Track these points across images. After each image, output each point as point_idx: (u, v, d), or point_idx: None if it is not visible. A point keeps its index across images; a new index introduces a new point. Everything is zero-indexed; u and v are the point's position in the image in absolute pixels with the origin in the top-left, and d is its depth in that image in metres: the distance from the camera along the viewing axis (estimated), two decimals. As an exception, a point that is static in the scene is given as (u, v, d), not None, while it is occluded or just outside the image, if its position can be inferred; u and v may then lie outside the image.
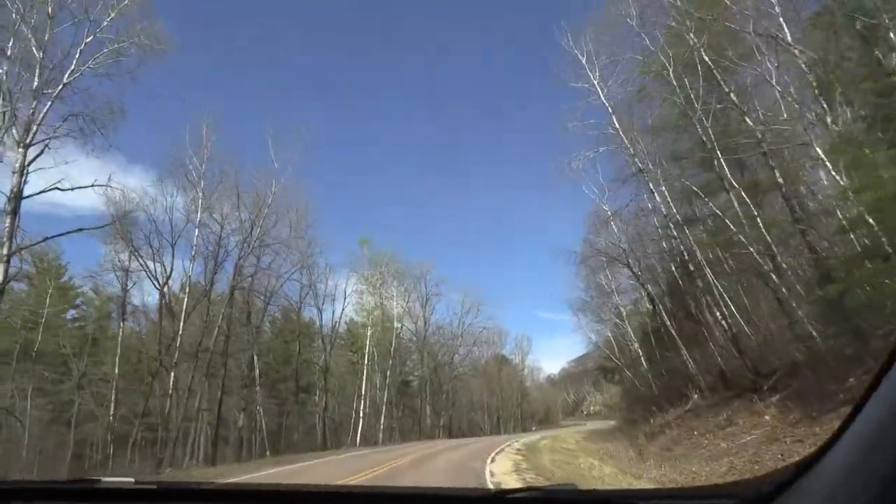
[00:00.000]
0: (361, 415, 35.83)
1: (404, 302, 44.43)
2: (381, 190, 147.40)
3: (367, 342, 37.10)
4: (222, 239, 25.69)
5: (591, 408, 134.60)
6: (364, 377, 36.82)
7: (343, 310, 39.55)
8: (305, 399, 49.88)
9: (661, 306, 26.38)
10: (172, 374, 21.59)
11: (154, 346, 25.49)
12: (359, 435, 35.32)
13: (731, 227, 18.79)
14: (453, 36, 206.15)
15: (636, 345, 33.04)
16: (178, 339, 22.19)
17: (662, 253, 28.46)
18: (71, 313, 44.33)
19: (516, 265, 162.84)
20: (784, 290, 16.67)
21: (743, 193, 18.45)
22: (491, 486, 11.17)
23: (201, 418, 30.86)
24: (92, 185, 17.76)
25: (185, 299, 22.94)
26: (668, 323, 27.34)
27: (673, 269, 28.84)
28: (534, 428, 78.03)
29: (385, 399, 39.74)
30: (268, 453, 35.64)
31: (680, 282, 28.09)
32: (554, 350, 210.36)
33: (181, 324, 22.30)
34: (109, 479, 1.91)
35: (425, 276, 52.29)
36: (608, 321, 40.84)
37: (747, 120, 15.93)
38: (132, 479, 1.93)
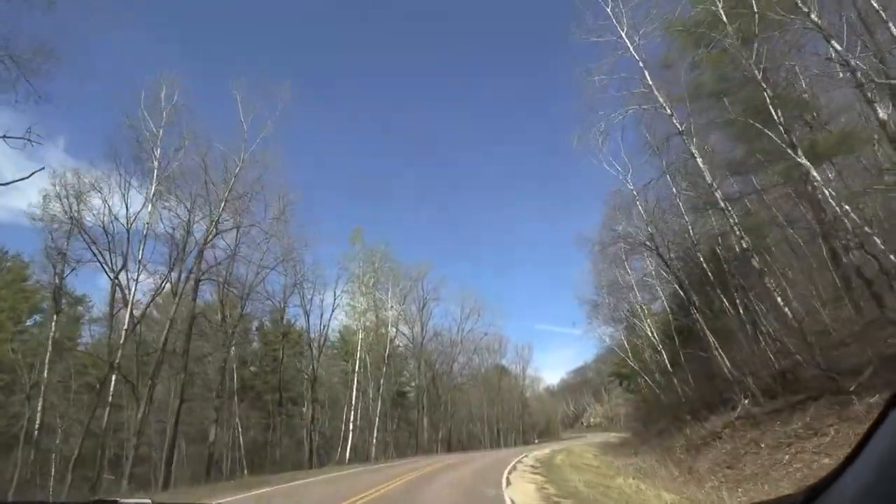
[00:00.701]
0: (352, 428, 31.77)
1: (399, 305, 40.67)
2: (374, 193, 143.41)
3: (359, 347, 33.18)
4: (191, 224, 21.87)
5: (592, 419, 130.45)
6: (355, 386, 32.82)
7: (333, 311, 35.65)
8: (294, 412, 45.83)
9: (693, 299, 22.62)
10: (113, 378, 17.63)
11: (119, 351, 21.63)
12: (348, 451, 31.26)
13: (807, 193, 15.13)
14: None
15: (659, 346, 29.20)
16: (123, 335, 18.29)
17: (691, 238, 24.84)
18: (36, 318, 40.48)
19: (515, 277, 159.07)
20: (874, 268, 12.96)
21: (804, 159, 14.83)
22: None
23: (168, 433, 26.80)
24: (2, 137, 14.04)
25: (133, 290, 19.02)
26: (701, 319, 23.63)
27: (701, 258, 25.23)
28: (536, 440, 73.78)
29: (378, 411, 35.70)
30: (245, 472, 31.58)
31: (710, 274, 24.46)
32: (552, 362, 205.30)
33: (126, 317, 18.40)
34: (126, 501, 1.95)
35: (422, 278, 48.58)
36: (622, 321, 37.05)
37: (833, 45, 12.30)
38: (149, 501, 1.98)
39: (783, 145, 14.59)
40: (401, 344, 48.42)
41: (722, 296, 24.47)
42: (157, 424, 34.12)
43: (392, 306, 37.99)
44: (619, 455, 25.12)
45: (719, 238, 21.33)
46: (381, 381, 36.74)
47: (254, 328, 51.25)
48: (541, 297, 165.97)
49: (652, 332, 29.19)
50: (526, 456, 25.45)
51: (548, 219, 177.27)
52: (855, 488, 1.07)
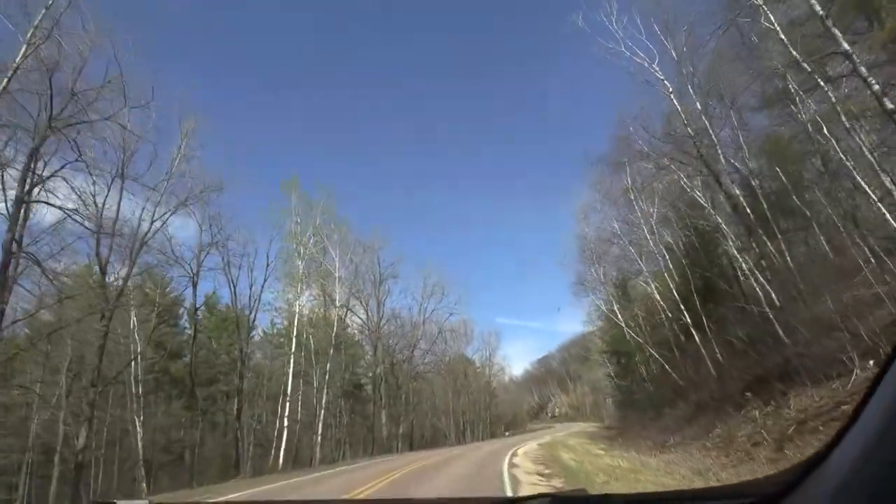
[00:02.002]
0: (286, 424, 24.01)
1: (349, 275, 32.88)
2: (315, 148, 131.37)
3: (296, 321, 25.48)
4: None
5: (557, 410, 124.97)
6: (290, 371, 25.07)
7: (265, 281, 27.72)
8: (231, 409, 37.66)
9: (758, 233, 15.95)
10: None
11: None
12: (282, 453, 23.52)
13: None
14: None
15: (678, 309, 22.48)
16: None
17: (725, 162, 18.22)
18: None
19: (475, 269, 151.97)
20: None
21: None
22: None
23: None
24: None
25: None
26: (749, 265, 17.05)
27: (737, 191, 18.72)
28: (507, 433, 66.93)
29: (324, 402, 28.08)
30: (144, 487, 23.44)
31: (748, 210, 17.93)
32: (513, 354, 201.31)
33: None
34: (123, 502, 1.85)
35: (378, 250, 41.05)
36: (617, 286, 30.50)
37: None
38: (146, 501, 1.95)
39: None
40: (352, 324, 40.79)
41: (765, 238, 17.96)
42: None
43: (340, 276, 30.33)
44: (640, 450, 18.25)
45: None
46: (328, 366, 29.09)
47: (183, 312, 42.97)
48: (502, 290, 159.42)
49: (672, 291, 22.40)
50: (514, 455, 18.41)
51: (510, 207, 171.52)
52: (855, 455, 1.00)
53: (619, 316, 29.99)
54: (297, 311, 24.95)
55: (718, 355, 19.87)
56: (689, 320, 20.91)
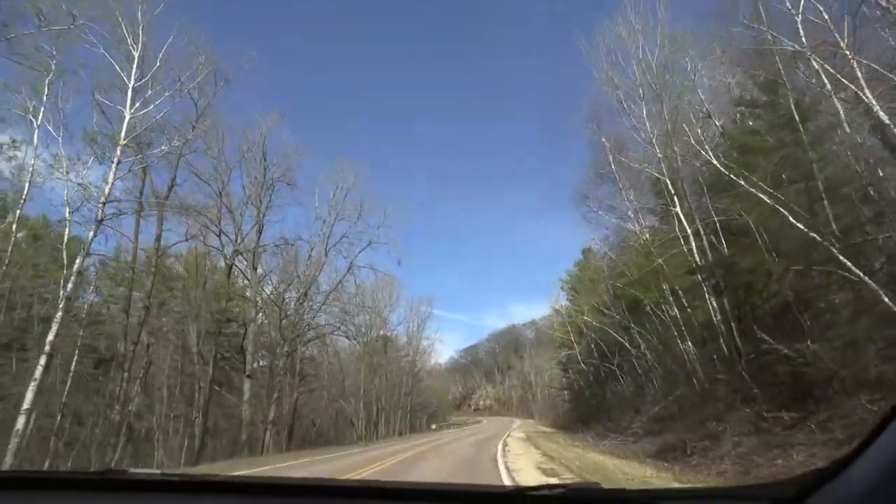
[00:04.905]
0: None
1: (164, 76, 15.74)
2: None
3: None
4: None
5: (482, 402, 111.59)
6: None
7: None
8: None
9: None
10: None
11: None
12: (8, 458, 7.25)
13: None
14: None
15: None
16: None
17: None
18: None
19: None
20: None
21: None
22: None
23: None
24: None
25: None
26: None
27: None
28: (433, 427, 51.64)
29: (47, 348, 11.89)
30: None
31: None
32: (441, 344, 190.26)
33: None
34: (136, 471, 1.76)
35: (265, 134, 24.92)
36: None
37: None
38: (159, 471, 1.82)
39: None
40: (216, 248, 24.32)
41: None
42: None
43: (136, 86, 13.86)
44: None
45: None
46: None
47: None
48: (432, 281, 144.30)
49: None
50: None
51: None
52: (873, 470, 0.97)
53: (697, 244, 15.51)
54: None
55: None
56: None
